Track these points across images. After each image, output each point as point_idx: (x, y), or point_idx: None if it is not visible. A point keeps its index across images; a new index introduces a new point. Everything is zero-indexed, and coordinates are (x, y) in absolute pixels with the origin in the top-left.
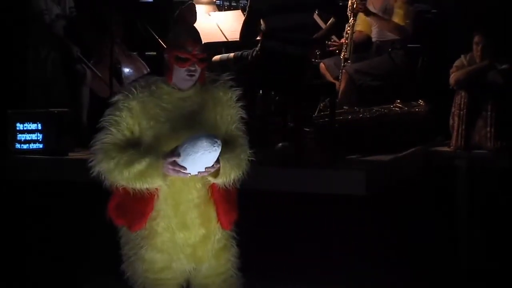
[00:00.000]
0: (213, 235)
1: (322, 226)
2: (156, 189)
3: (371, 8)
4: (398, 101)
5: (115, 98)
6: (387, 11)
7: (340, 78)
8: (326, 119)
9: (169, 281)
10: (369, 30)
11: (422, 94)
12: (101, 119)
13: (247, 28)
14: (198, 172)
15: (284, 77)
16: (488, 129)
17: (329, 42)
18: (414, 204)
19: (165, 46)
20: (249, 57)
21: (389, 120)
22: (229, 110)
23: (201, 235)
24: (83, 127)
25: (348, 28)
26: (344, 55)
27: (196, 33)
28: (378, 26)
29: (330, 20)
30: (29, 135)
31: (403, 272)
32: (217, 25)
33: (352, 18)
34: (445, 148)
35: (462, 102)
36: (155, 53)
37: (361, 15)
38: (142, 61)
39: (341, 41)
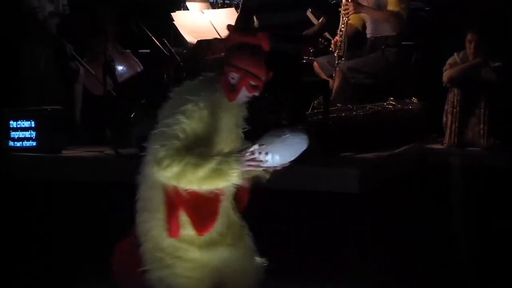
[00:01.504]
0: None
1: (316, 224)
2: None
3: (364, 2)
4: (392, 98)
5: (186, 107)
6: (381, 6)
7: (334, 76)
8: (320, 117)
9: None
10: (359, 24)
11: (416, 91)
12: (160, 125)
13: (240, 26)
14: (282, 164)
15: (277, 75)
16: (481, 126)
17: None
18: (408, 201)
19: (231, 62)
20: None
21: (383, 117)
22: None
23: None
24: (77, 125)
25: (342, 26)
26: (338, 52)
27: (266, 61)
28: (372, 19)
29: (322, 18)
30: (23, 132)
31: (397, 270)
32: (211, 22)
33: (345, 17)
34: (439, 146)
35: (455, 100)
36: (148, 50)
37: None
38: (135, 58)
39: (335, 39)
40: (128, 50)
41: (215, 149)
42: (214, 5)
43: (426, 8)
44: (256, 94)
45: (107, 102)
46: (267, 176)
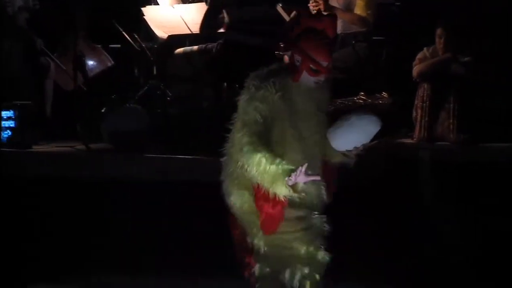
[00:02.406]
0: None
1: None
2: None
3: (334, 3)
4: (362, 93)
5: (255, 94)
6: (350, 6)
7: None
8: None
9: None
10: None
11: (386, 86)
12: (239, 115)
13: (208, 21)
14: (354, 148)
15: (248, 70)
16: (451, 121)
17: None
18: (378, 195)
19: (294, 44)
20: (214, 50)
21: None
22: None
23: None
24: (47, 120)
25: None
26: None
27: (331, 47)
28: (341, 19)
29: (293, 13)
30: None
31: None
32: (181, 17)
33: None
34: (409, 140)
35: (425, 94)
36: (119, 45)
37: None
38: (106, 53)
39: None
40: (98, 45)
41: (294, 134)
42: (184, 0)
43: (396, 3)
44: (321, 79)
45: (77, 97)
46: (352, 162)
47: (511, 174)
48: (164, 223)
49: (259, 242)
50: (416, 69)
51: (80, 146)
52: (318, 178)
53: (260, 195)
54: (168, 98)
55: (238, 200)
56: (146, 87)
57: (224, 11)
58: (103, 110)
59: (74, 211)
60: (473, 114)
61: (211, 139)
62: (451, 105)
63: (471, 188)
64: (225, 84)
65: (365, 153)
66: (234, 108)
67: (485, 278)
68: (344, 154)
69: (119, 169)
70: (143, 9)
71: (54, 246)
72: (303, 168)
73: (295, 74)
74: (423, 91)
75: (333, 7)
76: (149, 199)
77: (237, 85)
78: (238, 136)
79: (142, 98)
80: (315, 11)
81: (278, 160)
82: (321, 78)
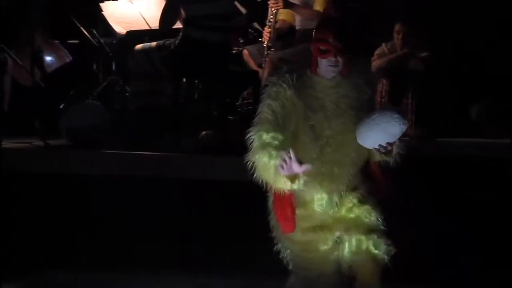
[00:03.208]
0: None
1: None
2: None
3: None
4: None
5: (269, 91)
6: (309, 3)
7: (263, 65)
8: (250, 107)
9: None
10: (292, 19)
11: None
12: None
13: (166, 16)
14: (379, 145)
15: (206, 65)
16: (410, 116)
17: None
18: None
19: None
20: (172, 45)
21: None
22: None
23: None
24: (4, 115)
25: (271, 16)
26: (267, 43)
27: (336, 25)
28: (299, 15)
29: (248, 9)
30: None
31: None
32: (140, 13)
33: (274, 8)
34: None
35: (384, 90)
36: (77, 41)
37: None
38: (64, 49)
39: (265, 30)
40: (56, 41)
41: (309, 131)
42: None
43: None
44: (331, 58)
45: (35, 93)
46: (391, 159)
47: (469, 168)
48: (121, 218)
49: (283, 244)
50: (374, 65)
51: (38, 142)
52: (309, 168)
53: (272, 194)
54: (127, 94)
55: (268, 202)
56: (105, 83)
57: (181, 6)
58: (61, 106)
59: (32, 207)
60: (432, 108)
61: (170, 134)
62: (410, 100)
63: (431, 182)
64: (184, 79)
65: (396, 152)
66: (193, 103)
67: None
68: (384, 153)
69: (77, 165)
70: (101, 4)
71: (10, 243)
72: (293, 157)
73: (312, 66)
74: (381, 86)
75: (292, 4)
76: (108, 195)
77: (196, 81)
78: (251, 135)
79: (101, 94)
80: (274, 9)
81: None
82: (333, 59)
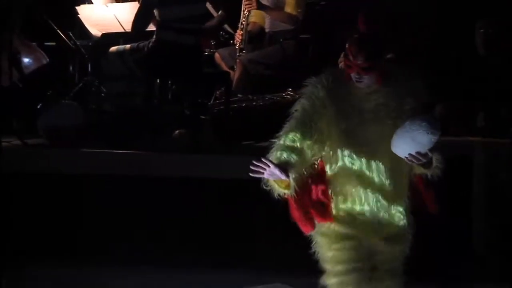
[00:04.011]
0: None
1: (219, 210)
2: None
3: (264, 1)
4: (290, 89)
5: (304, 90)
6: (279, 5)
7: (235, 67)
8: (222, 107)
9: None
10: (263, 22)
11: None
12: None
13: (139, 19)
14: (409, 154)
15: (179, 66)
16: None
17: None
18: None
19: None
20: (146, 48)
21: (282, 107)
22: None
23: None
24: None
25: (243, 19)
26: (239, 45)
27: (364, 42)
28: (271, 17)
29: (219, 13)
30: None
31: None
32: (115, 15)
33: (246, 11)
34: None
35: None
36: (54, 43)
37: None
38: (41, 51)
39: (237, 32)
40: (34, 43)
41: (350, 136)
42: None
43: (321, 2)
44: (356, 76)
45: (13, 93)
46: (429, 172)
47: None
48: (97, 214)
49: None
50: (340, 65)
51: (16, 141)
52: (283, 177)
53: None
54: (103, 95)
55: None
56: (81, 84)
57: (155, 10)
58: (39, 106)
59: (9, 204)
60: None
61: (144, 134)
62: None
63: None
64: (158, 80)
65: (436, 164)
66: (166, 103)
67: None
68: (408, 161)
69: (54, 164)
70: (77, 7)
71: None
72: (269, 163)
73: (346, 73)
74: None
75: (264, 5)
76: (84, 193)
77: (169, 81)
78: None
79: (77, 94)
80: (246, 11)
81: (284, 156)
82: (357, 75)
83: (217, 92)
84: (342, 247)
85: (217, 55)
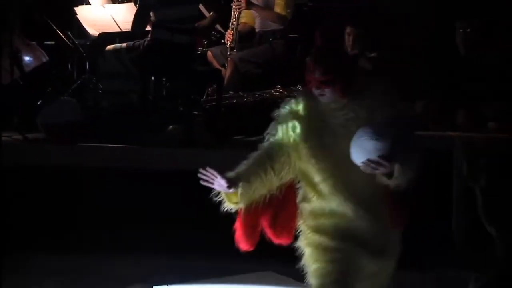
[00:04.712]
0: None
1: (211, 200)
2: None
3: (254, 0)
4: (279, 86)
5: (287, 103)
6: (269, 5)
7: (226, 65)
8: (213, 103)
9: None
10: (253, 22)
11: (301, 80)
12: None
13: (138, 20)
14: (361, 162)
15: (173, 65)
16: None
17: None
18: None
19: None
20: (141, 46)
21: (271, 103)
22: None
23: None
24: None
25: (234, 19)
26: (230, 44)
27: (321, 56)
28: (261, 17)
29: (211, 14)
30: None
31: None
32: (111, 16)
33: (237, 11)
34: None
35: None
36: (53, 42)
37: None
38: (41, 50)
39: (228, 32)
40: (34, 42)
41: (325, 153)
42: (114, 0)
43: (309, 4)
44: (316, 90)
45: (14, 90)
46: (392, 183)
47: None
48: (95, 206)
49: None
50: None
51: (17, 136)
52: (228, 190)
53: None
54: (100, 92)
55: None
56: (79, 81)
57: (151, 11)
58: (39, 103)
59: (10, 196)
60: None
61: (140, 129)
62: None
63: None
64: (152, 78)
65: (398, 175)
66: (160, 99)
67: None
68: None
69: (53, 158)
70: (76, 8)
71: None
72: (216, 173)
73: (308, 89)
74: None
75: (254, 5)
76: (82, 185)
77: (163, 79)
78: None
79: (75, 91)
80: (237, 12)
81: (241, 169)
82: (316, 89)
83: (209, 89)
84: (327, 259)
85: (209, 53)
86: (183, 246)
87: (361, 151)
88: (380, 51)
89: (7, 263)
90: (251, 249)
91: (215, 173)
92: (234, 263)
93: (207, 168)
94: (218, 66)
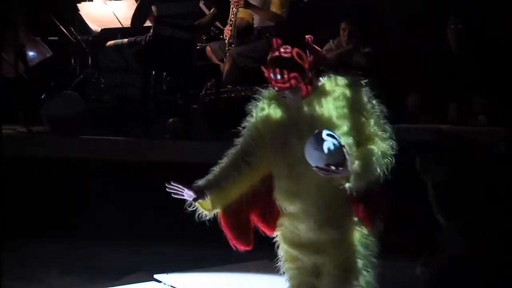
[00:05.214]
0: None
1: None
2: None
3: (251, 0)
4: None
5: (259, 98)
6: (266, 4)
7: (224, 60)
8: (212, 97)
9: None
10: (250, 18)
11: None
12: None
13: (138, 16)
14: (314, 167)
15: (173, 60)
16: None
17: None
18: None
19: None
20: (142, 42)
21: None
22: (359, 112)
23: None
24: None
25: (232, 16)
26: (228, 40)
27: (277, 59)
28: (258, 15)
29: (212, 10)
30: None
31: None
32: (113, 12)
33: (235, 8)
34: None
35: None
36: (56, 38)
37: None
38: (45, 45)
39: (226, 28)
40: (38, 37)
41: (289, 149)
42: None
43: (304, 0)
44: (280, 91)
45: (19, 84)
46: (344, 183)
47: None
48: (97, 195)
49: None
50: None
51: (21, 129)
52: (190, 198)
53: None
54: (102, 86)
55: None
56: (82, 76)
57: (152, 7)
58: (42, 96)
59: (14, 186)
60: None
61: (140, 121)
62: None
63: None
64: (153, 72)
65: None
66: (161, 93)
67: None
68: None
69: (56, 149)
70: (78, 5)
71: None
72: (182, 186)
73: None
74: None
75: (251, 4)
76: (84, 176)
77: (163, 73)
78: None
79: (78, 85)
80: (235, 9)
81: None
82: (279, 90)
83: (208, 83)
84: (289, 267)
85: (208, 48)
86: (182, 236)
87: (310, 158)
88: (373, 46)
89: (12, 251)
90: (248, 248)
91: (180, 186)
92: (232, 252)
93: (172, 182)
94: (216, 61)
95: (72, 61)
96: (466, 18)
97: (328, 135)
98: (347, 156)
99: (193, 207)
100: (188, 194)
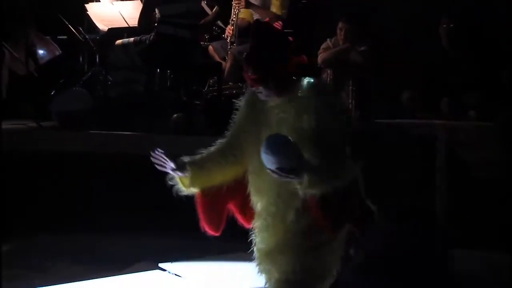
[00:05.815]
0: None
1: None
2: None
3: (252, 0)
4: None
5: (244, 95)
6: (266, 5)
7: (226, 58)
8: (214, 94)
9: None
10: (250, 18)
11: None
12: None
13: (144, 16)
14: (267, 169)
15: (177, 58)
16: (350, 100)
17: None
18: None
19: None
20: (147, 41)
21: None
22: (322, 118)
23: None
24: (2, 101)
25: (234, 16)
26: (230, 39)
27: (252, 55)
28: (258, 15)
29: (215, 9)
30: None
31: None
32: (120, 12)
33: (236, 9)
34: None
35: (329, 79)
36: (65, 37)
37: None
38: (54, 44)
39: (228, 28)
40: (48, 36)
41: (252, 146)
42: None
43: (303, 1)
44: (253, 88)
45: (30, 81)
46: (297, 186)
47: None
48: (104, 188)
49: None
50: (320, 57)
51: (32, 124)
52: (176, 172)
53: None
54: (109, 83)
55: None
56: (90, 73)
57: (156, 7)
58: (52, 93)
59: (25, 179)
60: (369, 94)
61: (146, 117)
62: (350, 87)
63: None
64: (158, 70)
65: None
66: (165, 90)
67: None
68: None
69: (66, 143)
70: (86, 5)
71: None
72: (163, 156)
73: None
74: (327, 76)
75: (252, 4)
76: (92, 169)
77: (168, 71)
78: None
79: (86, 82)
80: (236, 9)
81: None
82: (251, 87)
83: (210, 81)
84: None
85: (210, 47)
86: (188, 225)
87: (263, 159)
88: (370, 45)
89: (21, 243)
90: (216, 234)
91: (164, 156)
92: (237, 242)
93: (157, 150)
94: (218, 59)
95: (81, 59)
96: (458, 18)
97: (282, 139)
98: (300, 162)
99: (173, 182)
100: (170, 166)
